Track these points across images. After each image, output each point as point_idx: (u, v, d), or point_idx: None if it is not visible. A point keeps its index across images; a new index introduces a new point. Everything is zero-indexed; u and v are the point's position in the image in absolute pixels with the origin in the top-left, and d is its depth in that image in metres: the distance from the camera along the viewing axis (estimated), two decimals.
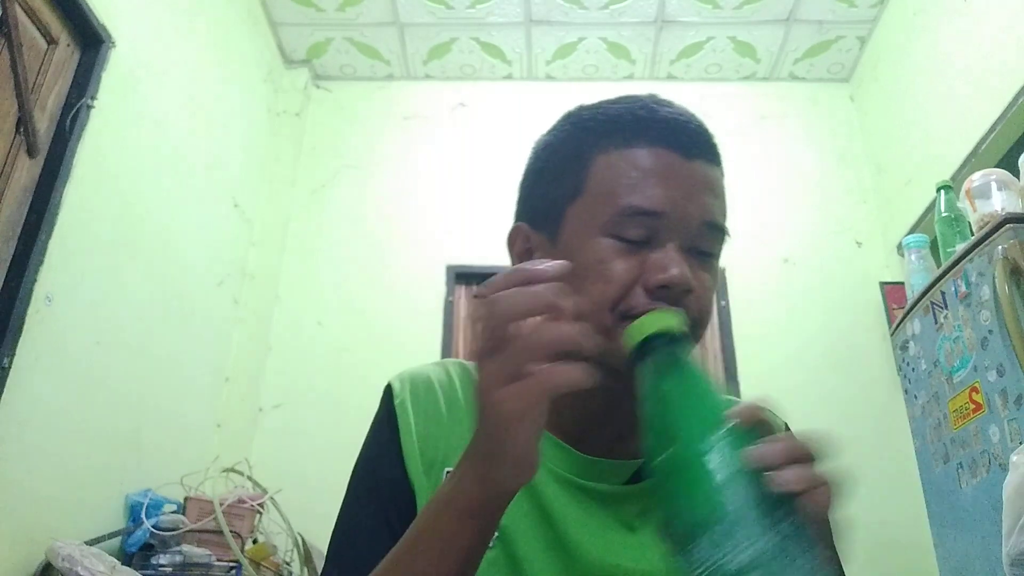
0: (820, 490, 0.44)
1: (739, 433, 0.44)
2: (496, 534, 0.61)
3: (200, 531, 2.14)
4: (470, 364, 0.71)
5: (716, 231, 0.62)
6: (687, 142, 0.62)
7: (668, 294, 0.58)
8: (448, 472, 0.65)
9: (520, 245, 0.68)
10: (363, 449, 0.69)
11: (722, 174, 0.65)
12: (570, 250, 0.61)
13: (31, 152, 1.89)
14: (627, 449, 0.66)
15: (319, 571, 1.70)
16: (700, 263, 0.61)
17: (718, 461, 0.43)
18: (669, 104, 0.65)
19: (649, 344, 0.50)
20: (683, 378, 0.48)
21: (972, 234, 1.83)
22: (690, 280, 0.58)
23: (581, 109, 0.68)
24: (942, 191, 2.02)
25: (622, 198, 0.60)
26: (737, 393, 2.86)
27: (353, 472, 0.69)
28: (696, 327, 0.60)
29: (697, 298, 0.60)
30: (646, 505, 0.64)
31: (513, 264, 0.67)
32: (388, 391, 0.70)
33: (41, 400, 1.83)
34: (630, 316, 0.56)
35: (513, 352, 0.44)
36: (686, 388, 0.48)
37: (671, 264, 0.58)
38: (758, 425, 0.45)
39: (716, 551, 0.40)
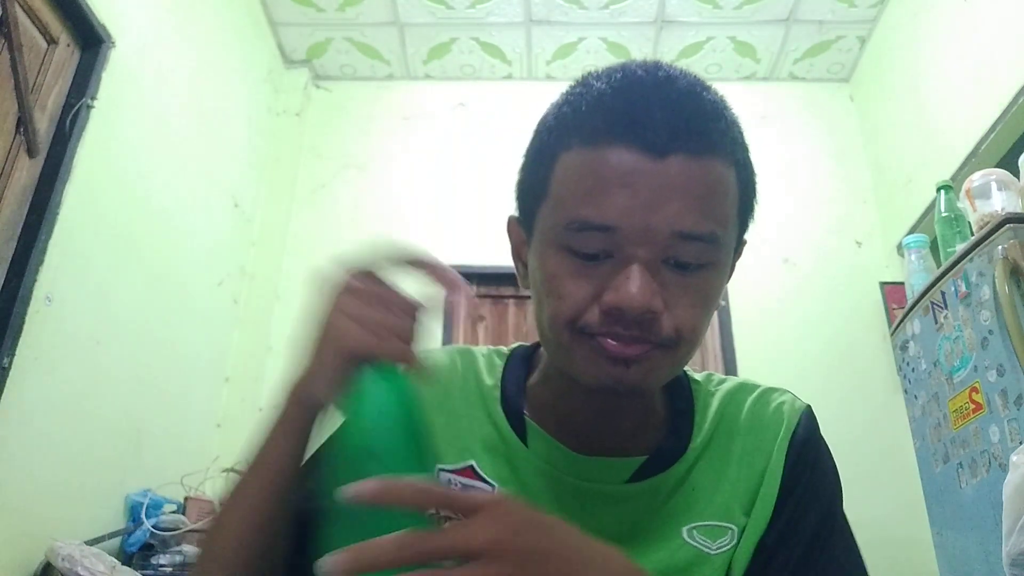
0: None
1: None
2: None
3: (200, 531, 2.14)
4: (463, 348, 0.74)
5: (693, 240, 0.54)
6: (660, 137, 0.53)
7: (623, 317, 0.53)
8: (440, 470, 0.65)
9: (515, 237, 0.66)
10: None
11: (716, 163, 0.55)
12: (537, 256, 0.59)
13: (31, 152, 1.89)
14: (628, 447, 0.66)
15: None
16: (679, 276, 0.55)
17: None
18: (657, 83, 0.56)
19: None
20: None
21: (972, 234, 1.83)
22: (649, 303, 0.53)
23: (568, 88, 0.61)
24: (942, 191, 2.02)
25: (573, 209, 0.55)
26: None
27: None
28: (678, 344, 0.56)
29: (673, 316, 0.55)
30: (651, 502, 0.64)
31: (513, 253, 0.67)
32: None
33: (41, 400, 1.83)
34: (586, 334, 0.55)
35: (379, 312, 0.52)
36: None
37: (625, 285, 0.53)
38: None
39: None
